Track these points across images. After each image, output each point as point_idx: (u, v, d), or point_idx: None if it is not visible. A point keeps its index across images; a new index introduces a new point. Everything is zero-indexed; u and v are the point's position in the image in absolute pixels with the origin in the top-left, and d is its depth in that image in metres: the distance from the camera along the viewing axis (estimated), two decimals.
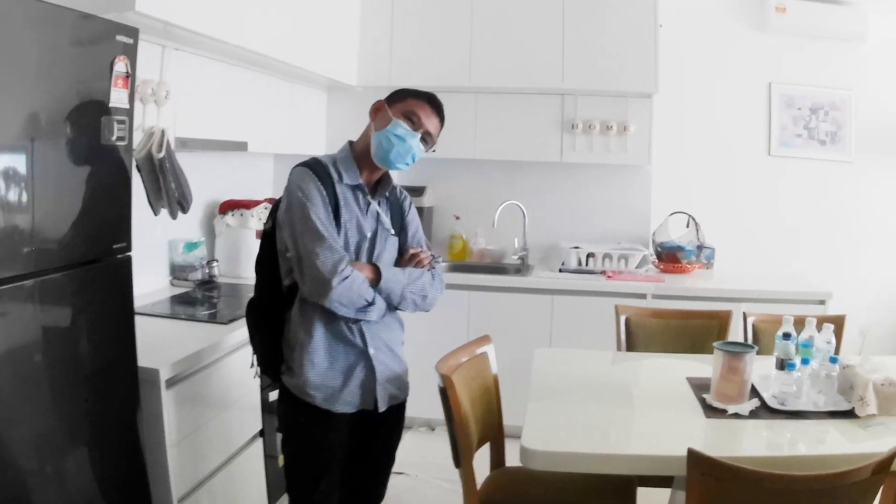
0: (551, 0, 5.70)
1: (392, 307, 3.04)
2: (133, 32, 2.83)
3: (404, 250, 3.14)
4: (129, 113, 2.87)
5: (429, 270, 3.10)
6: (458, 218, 6.30)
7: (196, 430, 3.32)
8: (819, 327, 3.36)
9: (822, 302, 5.32)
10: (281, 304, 3.03)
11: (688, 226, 6.11)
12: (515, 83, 5.80)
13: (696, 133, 6.47)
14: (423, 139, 3.00)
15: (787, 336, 3.29)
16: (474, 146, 5.94)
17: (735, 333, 4.34)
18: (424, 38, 5.82)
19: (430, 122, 3.01)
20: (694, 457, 2.29)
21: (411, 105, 2.99)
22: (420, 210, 5.79)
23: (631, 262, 5.79)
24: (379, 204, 3.07)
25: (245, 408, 3.75)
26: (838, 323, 3.76)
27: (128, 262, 2.96)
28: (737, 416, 2.96)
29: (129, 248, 2.94)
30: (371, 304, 2.90)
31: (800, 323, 3.41)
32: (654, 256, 6.03)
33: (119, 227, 2.91)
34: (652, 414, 3.15)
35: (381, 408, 3.04)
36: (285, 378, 3.03)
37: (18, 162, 2.34)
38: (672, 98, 6.06)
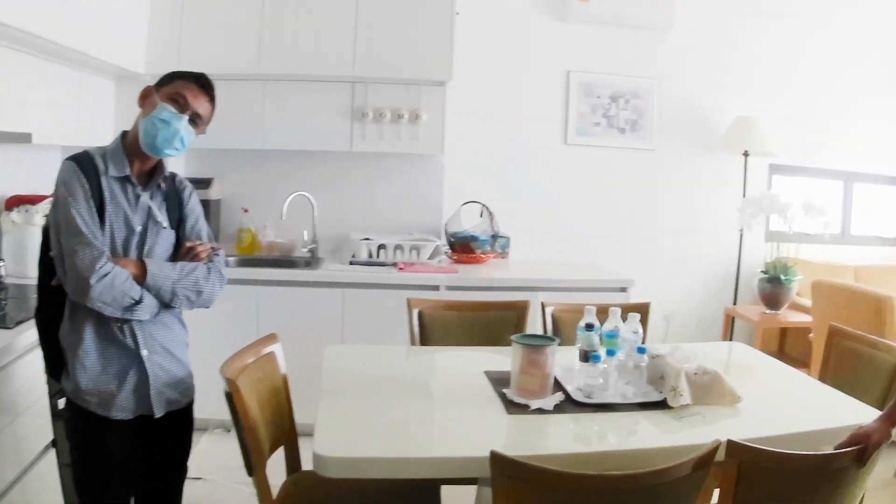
0: None
1: (166, 305, 2.85)
2: None
3: (182, 243, 2.96)
4: None
5: (206, 264, 2.93)
6: (246, 211, 5.96)
7: None
8: (624, 316, 3.24)
9: (623, 289, 5.30)
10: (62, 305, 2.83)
11: (481, 215, 5.99)
12: (305, 70, 5.54)
13: (493, 122, 6.41)
14: (192, 121, 2.86)
15: (589, 327, 3.15)
16: (263, 136, 5.64)
17: (534, 324, 4.20)
18: (214, 24, 5.46)
19: (199, 103, 2.86)
20: (498, 459, 2.02)
21: (177, 87, 2.85)
22: (207, 203, 5.49)
23: (423, 253, 5.62)
24: (151, 196, 2.90)
25: (35, 416, 3.45)
26: (643, 311, 3.67)
27: None
28: (540, 411, 2.77)
29: None
30: (138, 301, 2.72)
31: (602, 312, 3.28)
32: (448, 247, 5.88)
33: None
34: (451, 412, 2.94)
35: (157, 413, 2.87)
36: (64, 382, 2.86)
37: None
38: (469, 86, 5.97)
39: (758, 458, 2.22)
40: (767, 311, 6.28)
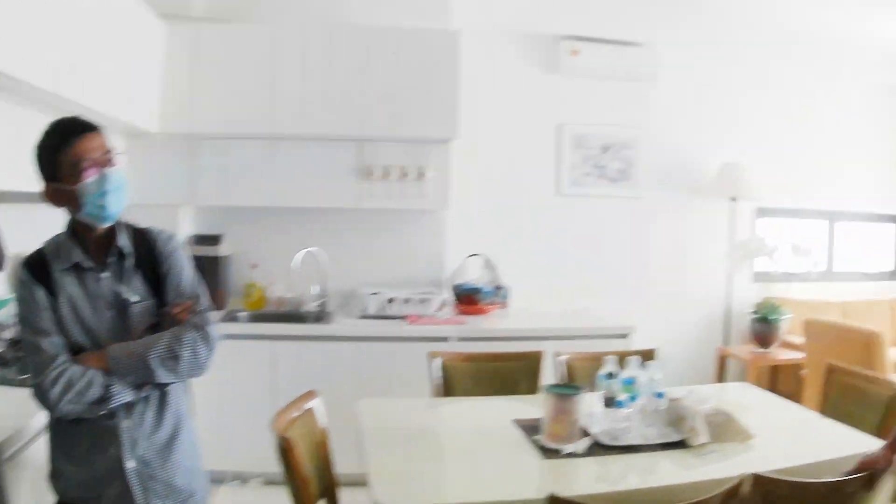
0: (354, 48, 5.67)
1: (150, 384, 2.57)
2: None
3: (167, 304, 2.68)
4: None
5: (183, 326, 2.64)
6: (254, 266, 6.06)
7: None
8: (622, 363, 3.47)
9: (624, 336, 5.48)
10: None
11: (484, 267, 6.19)
12: (314, 129, 5.68)
13: (489, 176, 6.56)
14: (109, 163, 2.55)
15: (611, 375, 3.38)
16: (272, 193, 5.77)
17: (547, 372, 4.38)
18: (225, 86, 5.62)
19: (93, 144, 2.52)
20: (555, 501, 2.26)
21: (71, 156, 2.48)
22: (215, 259, 5.65)
23: (432, 305, 5.76)
24: (119, 271, 2.63)
25: None
26: (647, 356, 3.87)
27: None
28: (572, 455, 2.99)
29: None
30: (107, 395, 2.45)
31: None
32: (452, 299, 6.04)
33: None
34: (493, 460, 3.09)
35: None
36: (51, 482, 2.62)
37: None
38: (466, 142, 6.01)
39: (780, 488, 2.47)
40: (758, 350, 6.50)
